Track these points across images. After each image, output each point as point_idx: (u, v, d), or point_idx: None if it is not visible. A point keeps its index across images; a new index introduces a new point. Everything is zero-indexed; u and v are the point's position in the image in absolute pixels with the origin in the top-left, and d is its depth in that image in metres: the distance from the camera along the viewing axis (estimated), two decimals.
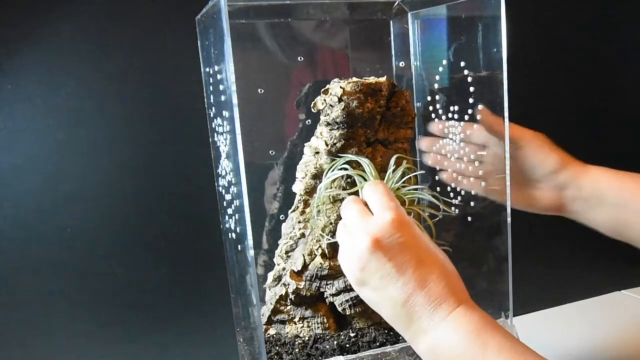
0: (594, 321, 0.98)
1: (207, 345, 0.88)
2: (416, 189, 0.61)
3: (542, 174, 0.69)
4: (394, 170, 0.60)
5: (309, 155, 0.64)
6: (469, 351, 0.48)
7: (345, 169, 0.60)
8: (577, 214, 0.69)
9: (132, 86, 0.81)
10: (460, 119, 0.66)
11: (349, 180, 0.61)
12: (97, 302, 0.83)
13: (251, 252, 0.53)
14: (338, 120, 0.60)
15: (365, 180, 0.60)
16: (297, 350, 0.61)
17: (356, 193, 0.61)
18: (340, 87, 0.60)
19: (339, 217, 0.61)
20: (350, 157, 0.60)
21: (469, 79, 0.64)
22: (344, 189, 0.62)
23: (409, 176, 0.61)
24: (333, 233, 0.62)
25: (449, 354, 0.49)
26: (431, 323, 0.49)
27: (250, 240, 0.53)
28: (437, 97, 0.70)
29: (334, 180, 0.61)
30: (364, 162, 0.59)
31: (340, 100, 0.60)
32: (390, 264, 0.51)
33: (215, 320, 0.86)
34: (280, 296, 0.64)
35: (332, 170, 0.61)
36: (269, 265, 0.69)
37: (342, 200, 0.61)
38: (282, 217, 0.70)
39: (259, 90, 0.69)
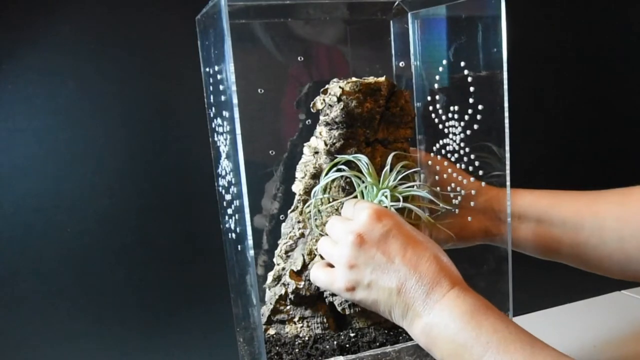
0: (594, 321, 0.98)
1: (207, 345, 0.88)
2: (412, 186, 0.61)
3: (462, 199, 0.67)
4: (391, 169, 0.61)
5: (309, 155, 0.64)
6: (463, 332, 0.48)
7: (343, 169, 0.60)
8: (501, 236, 0.67)
9: (132, 86, 0.81)
10: (460, 119, 0.66)
11: (347, 179, 0.61)
12: (97, 302, 0.83)
13: (251, 252, 0.53)
14: (337, 120, 0.60)
15: (363, 181, 0.60)
16: (297, 350, 0.61)
17: (355, 197, 0.61)
18: (340, 87, 0.60)
19: None
20: (349, 157, 0.60)
21: (469, 79, 0.64)
22: (343, 189, 0.62)
23: (405, 173, 0.61)
24: None
25: (443, 336, 0.49)
26: (425, 306, 0.50)
27: (250, 240, 0.53)
28: (437, 97, 0.70)
29: (333, 180, 0.61)
30: (362, 160, 0.59)
31: (339, 100, 0.60)
32: (379, 254, 0.52)
33: (215, 320, 0.86)
34: (280, 296, 0.64)
35: (331, 172, 0.61)
36: (269, 265, 0.68)
37: (339, 200, 0.61)
38: (282, 217, 0.70)
39: (259, 90, 0.69)
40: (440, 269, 0.51)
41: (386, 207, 0.57)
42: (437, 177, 0.70)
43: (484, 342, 0.46)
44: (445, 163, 0.69)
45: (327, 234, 0.60)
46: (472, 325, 0.47)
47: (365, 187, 0.60)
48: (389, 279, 0.51)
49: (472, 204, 0.67)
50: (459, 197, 0.67)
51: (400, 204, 0.58)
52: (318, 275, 0.57)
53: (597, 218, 0.63)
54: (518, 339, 0.46)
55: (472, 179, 0.67)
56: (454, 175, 0.68)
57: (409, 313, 0.51)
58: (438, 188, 0.68)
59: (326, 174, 0.61)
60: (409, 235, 0.53)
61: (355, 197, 0.61)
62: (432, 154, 0.72)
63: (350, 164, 0.61)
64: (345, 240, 0.53)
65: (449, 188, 0.68)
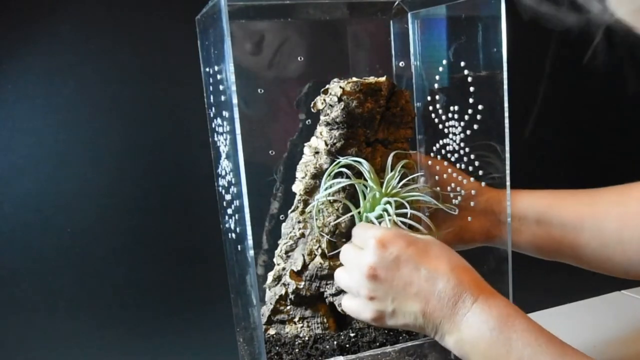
0: (594, 321, 0.98)
1: (206, 345, 0.88)
2: (414, 188, 0.62)
3: (462, 201, 0.67)
4: (391, 169, 0.61)
5: (309, 155, 0.64)
6: (493, 349, 0.48)
7: (345, 173, 0.60)
8: (502, 238, 0.67)
9: (132, 86, 0.81)
10: (460, 119, 0.66)
11: (348, 178, 0.61)
12: (97, 302, 0.83)
13: (251, 252, 0.53)
14: (338, 120, 0.60)
15: (366, 187, 0.60)
16: (297, 350, 0.61)
17: (355, 197, 0.61)
18: (340, 87, 0.60)
19: (337, 218, 0.62)
20: (349, 160, 0.60)
21: (469, 79, 0.64)
22: (344, 189, 0.62)
23: (409, 178, 0.61)
24: (332, 233, 0.62)
25: (475, 352, 0.49)
26: (452, 325, 0.50)
27: (250, 240, 0.53)
28: (437, 97, 0.70)
29: (333, 179, 0.61)
30: (364, 165, 0.59)
31: (340, 100, 0.60)
32: (395, 282, 0.52)
33: (215, 320, 0.86)
34: (280, 296, 0.64)
35: (332, 174, 0.61)
36: (269, 265, 0.68)
37: (340, 201, 0.61)
38: (282, 217, 0.70)
39: (259, 90, 0.69)
40: (458, 282, 0.51)
41: (390, 217, 0.57)
42: (437, 178, 0.70)
43: (516, 358, 0.47)
44: (445, 163, 0.69)
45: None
46: (502, 341, 0.48)
47: (370, 194, 0.60)
48: (411, 304, 0.51)
49: (471, 204, 0.67)
50: (459, 198, 0.67)
51: (409, 211, 0.58)
52: (348, 306, 0.58)
53: (596, 220, 0.63)
54: (548, 351, 0.47)
55: (472, 179, 0.67)
56: (454, 175, 0.68)
57: (438, 331, 0.51)
58: (438, 188, 0.68)
59: (327, 178, 0.61)
60: (420, 253, 0.53)
61: (356, 196, 0.61)
62: (431, 155, 0.72)
63: (349, 165, 0.61)
64: (359, 274, 0.54)
65: (448, 188, 0.68)
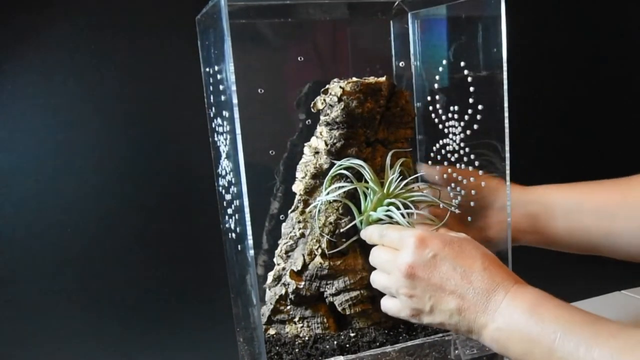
0: None
1: (207, 345, 0.88)
2: (414, 188, 0.62)
3: (485, 199, 0.67)
4: (390, 168, 0.61)
5: (309, 155, 0.64)
6: (528, 329, 0.49)
7: (346, 175, 0.60)
8: (531, 234, 0.68)
9: (132, 86, 0.81)
10: (460, 119, 0.66)
11: (348, 180, 0.61)
12: (97, 302, 0.83)
13: (251, 252, 0.53)
14: (338, 120, 0.60)
15: (366, 195, 0.60)
16: (297, 350, 0.61)
17: (356, 197, 0.61)
18: (340, 87, 0.60)
19: (338, 217, 0.62)
20: (349, 162, 0.60)
21: (469, 79, 0.64)
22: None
23: (410, 178, 0.61)
24: (332, 232, 0.62)
25: (511, 339, 0.50)
26: (487, 317, 0.51)
27: (250, 240, 0.53)
28: (437, 97, 0.70)
29: (332, 179, 0.62)
30: (365, 167, 0.59)
31: (340, 100, 0.60)
32: (433, 280, 0.53)
33: (215, 320, 0.86)
34: (280, 296, 0.64)
35: (332, 175, 0.61)
36: (269, 265, 0.69)
37: (340, 201, 0.61)
38: (282, 217, 0.70)
39: (259, 90, 0.69)
40: (492, 278, 0.52)
41: (403, 215, 0.58)
42: (464, 182, 0.68)
43: (551, 332, 0.47)
44: (462, 167, 0.68)
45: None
46: (535, 320, 0.49)
47: (372, 195, 0.60)
48: (447, 301, 0.53)
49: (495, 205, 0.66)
50: (474, 201, 0.67)
51: (415, 212, 0.59)
52: (387, 306, 0.59)
53: (628, 207, 0.63)
54: (581, 320, 0.48)
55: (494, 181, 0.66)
56: (471, 180, 0.67)
57: (474, 327, 0.52)
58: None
59: (328, 181, 0.61)
60: (455, 252, 0.54)
61: (356, 196, 0.61)
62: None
63: (350, 167, 0.61)
64: (398, 273, 0.55)
65: (473, 192, 0.67)
